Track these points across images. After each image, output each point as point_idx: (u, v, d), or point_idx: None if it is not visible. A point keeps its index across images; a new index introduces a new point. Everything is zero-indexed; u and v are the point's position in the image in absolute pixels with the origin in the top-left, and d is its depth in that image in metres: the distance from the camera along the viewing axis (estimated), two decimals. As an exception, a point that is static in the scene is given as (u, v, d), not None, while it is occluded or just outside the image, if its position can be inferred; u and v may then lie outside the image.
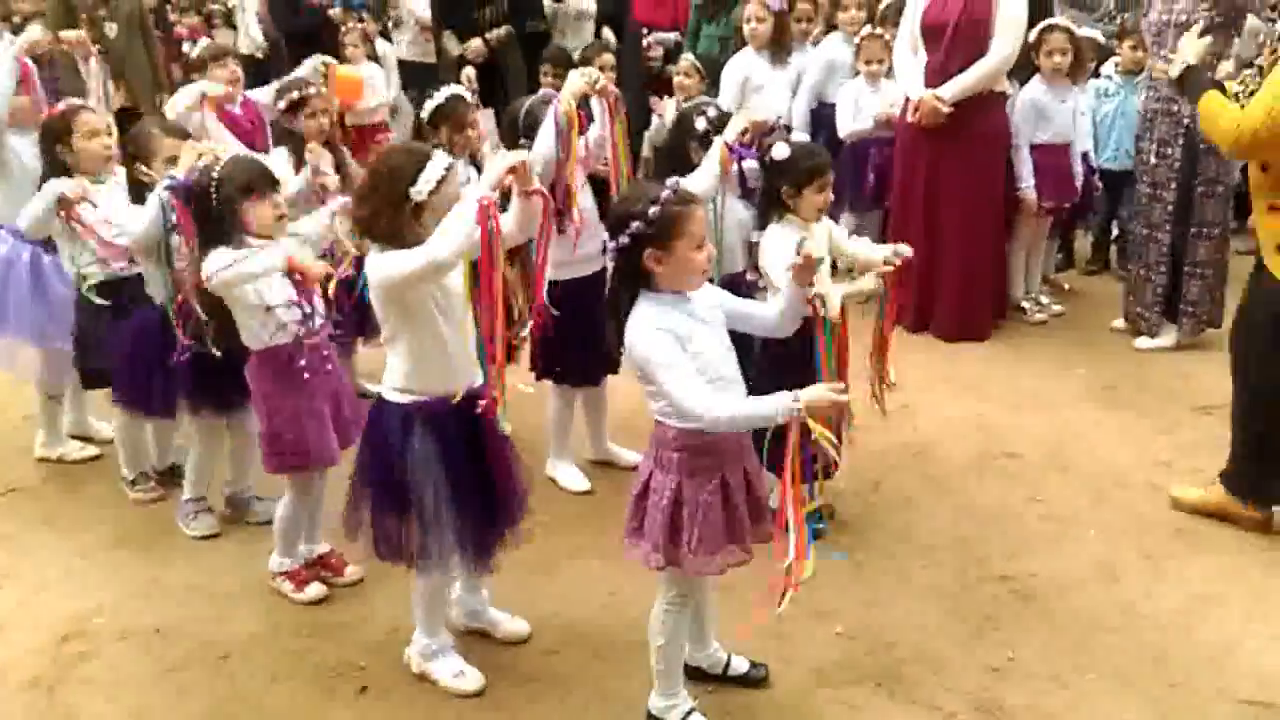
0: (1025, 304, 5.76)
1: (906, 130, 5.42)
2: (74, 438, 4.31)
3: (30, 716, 2.86)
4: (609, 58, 5.84)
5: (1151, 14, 5.19)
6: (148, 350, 3.58)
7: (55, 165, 3.70)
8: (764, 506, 2.74)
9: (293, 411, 3.11)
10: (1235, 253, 5.48)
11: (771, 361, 3.37)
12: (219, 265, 2.97)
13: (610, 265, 2.65)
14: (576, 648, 3.12)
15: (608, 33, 6.87)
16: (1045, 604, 3.32)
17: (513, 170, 2.60)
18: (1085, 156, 5.80)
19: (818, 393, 2.36)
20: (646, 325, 2.50)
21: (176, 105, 4.47)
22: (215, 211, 3.04)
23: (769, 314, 2.77)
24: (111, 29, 6.23)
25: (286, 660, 3.07)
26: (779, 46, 5.65)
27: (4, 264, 3.98)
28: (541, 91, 4.13)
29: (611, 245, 2.56)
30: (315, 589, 3.32)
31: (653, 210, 2.47)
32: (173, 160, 3.39)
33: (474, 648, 3.08)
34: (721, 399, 2.46)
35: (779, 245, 3.45)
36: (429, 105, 3.91)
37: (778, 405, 2.37)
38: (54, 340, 3.94)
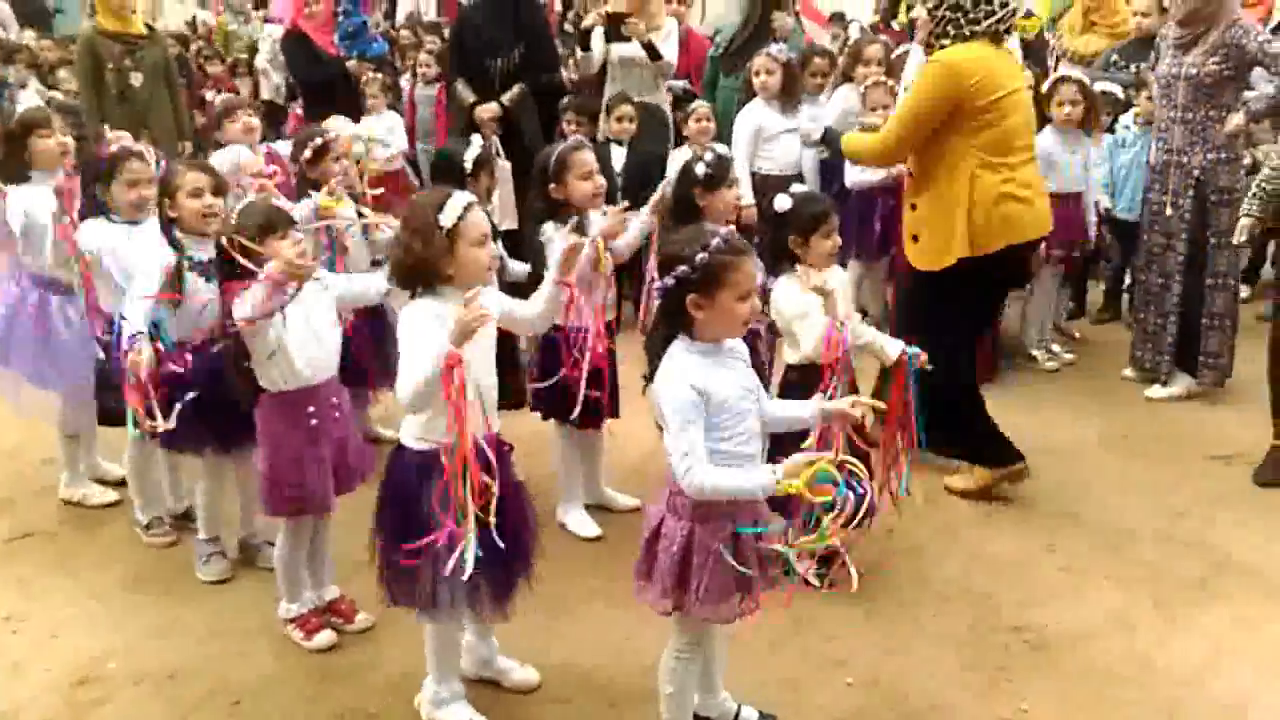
0: (1036, 352, 5.77)
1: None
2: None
3: (43, 761, 2.87)
4: (629, 109, 5.93)
5: (1160, 66, 5.24)
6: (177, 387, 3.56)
7: (91, 203, 3.76)
8: (775, 556, 2.74)
9: (296, 455, 3.13)
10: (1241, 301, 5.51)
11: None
12: (249, 303, 3.01)
13: (656, 304, 2.67)
14: (587, 697, 3.11)
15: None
16: (1058, 655, 3.31)
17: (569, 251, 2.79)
18: (1097, 205, 5.84)
19: (794, 462, 2.40)
20: (680, 376, 2.53)
21: (225, 167, 4.57)
22: (236, 259, 3.08)
23: (765, 410, 2.75)
24: (137, 79, 6.30)
25: (299, 705, 3.07)
26: (789, 97, 5.72)
27: (13, 302, 4.03)
28: (574, 138, 4.18)
29: (658, 286, 2.60)
30: (325, 637, 3.32)
31: (700, 257, 2.50)
32: (195, 194, 3.44)
33: (485, 696, 3.08)
34: (711, 470, 2.48)
35: (791, 294, 3.48)
36: (469, 154, 4.01)
37: (759, 482, 2.42)
38: (51, 384, 3.99)
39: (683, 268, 2.50)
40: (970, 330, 4.34)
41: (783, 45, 5.80)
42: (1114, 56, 6.47)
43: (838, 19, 10.47)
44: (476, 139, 4.05)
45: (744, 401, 2.60)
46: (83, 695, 3.12)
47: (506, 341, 4.00)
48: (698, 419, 2.49)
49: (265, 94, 9.13)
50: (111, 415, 3.90)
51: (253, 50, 9.86)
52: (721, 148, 3.86)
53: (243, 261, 3.02)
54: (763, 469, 2.46)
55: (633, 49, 6.25)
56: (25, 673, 3.22)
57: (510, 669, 3.16)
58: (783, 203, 3.52)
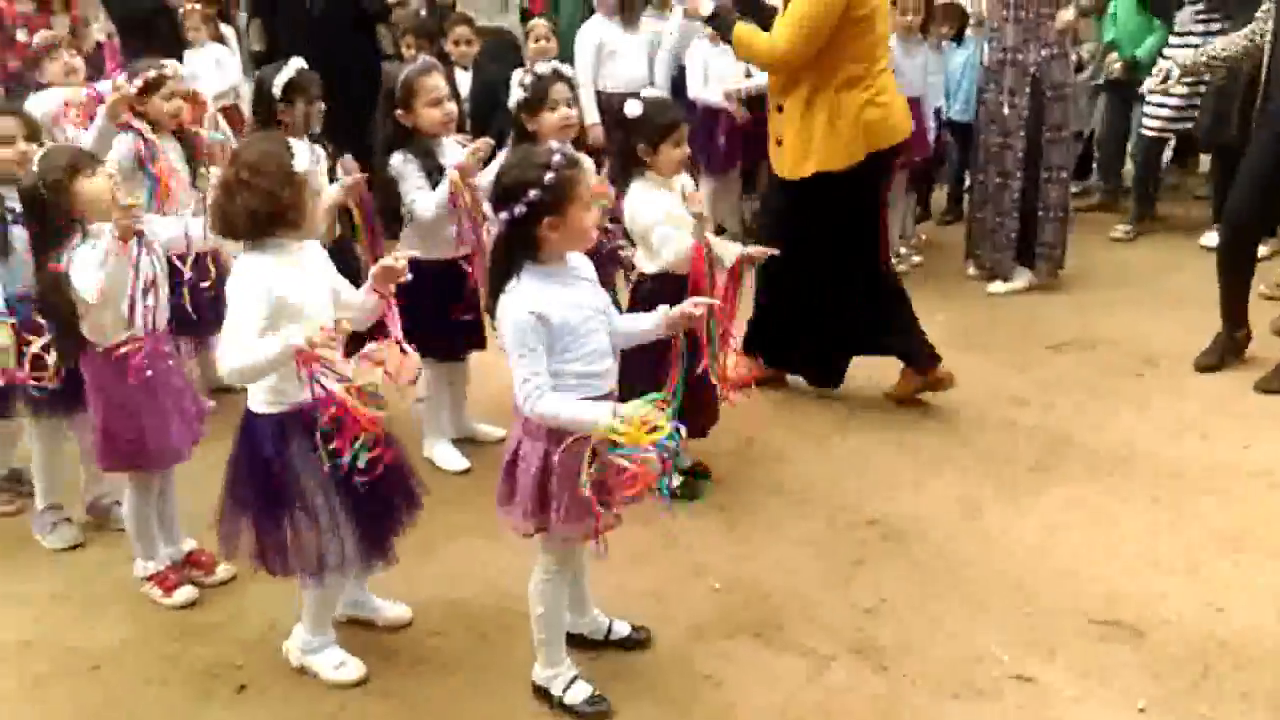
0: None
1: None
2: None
3: (-110, 746, 2.76)
4: (465, 30, 5.79)
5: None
6: None
7: None
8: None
9: (132, 409, 3.02)
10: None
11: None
12: (89, 271, 2.86)
13: (496, 235, 2.65)
14: (460, 628, 3.13)
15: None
16: (910, 544, 3.46)
17: (387, 270, 2.71)
18: (938, 112, 5.97)
19: (634, 408, 2.40)
20: (520, 305, 2.51)
21: (35, 114, 4.29)
22: (49, 205, 2.93)
23: (615, 324, 2.76)
24: None
25: (160, 665, 3.00)
26: (629, 11, 5.67)
27: None
28: (423, 59, 4.03)
29: (504, 216, 2.56)
30: (185, 592, 3.25)
31: (549, 177, 2.47)
32: (6, 141, 3.25)
33: (358, 636, 3.06)
34: (550, 398, 2.49)
35: (646, 203, 3.48)
36: (280, 79, 3.82)
37: (597, 416, 2.42)
38: None
39: (534, 191, 2.47)
40: (857, 234, 4.23)
41: (618, -47, 5.72)
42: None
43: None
44: (294, 61, 3.86)
45: (590, 321, 2.60)
46: (-71, 673, 3.00)
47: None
48: (538, 345, 2.49)
49: (98, 35, 8.56)
50: None
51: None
52: (547, 66, 3.77)
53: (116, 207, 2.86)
54: (603, 406, 2.46)
55: None
56: None
57: (382, 607, 3.14)
58: (633, 109, 3.49)
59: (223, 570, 3.33)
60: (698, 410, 3.61)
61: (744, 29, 4.11)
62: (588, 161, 3.42)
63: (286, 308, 2.59)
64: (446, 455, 4.02)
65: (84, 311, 2.93)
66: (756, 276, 4.31)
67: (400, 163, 3.68)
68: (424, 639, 3.09)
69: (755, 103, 5.69)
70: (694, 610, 3.17)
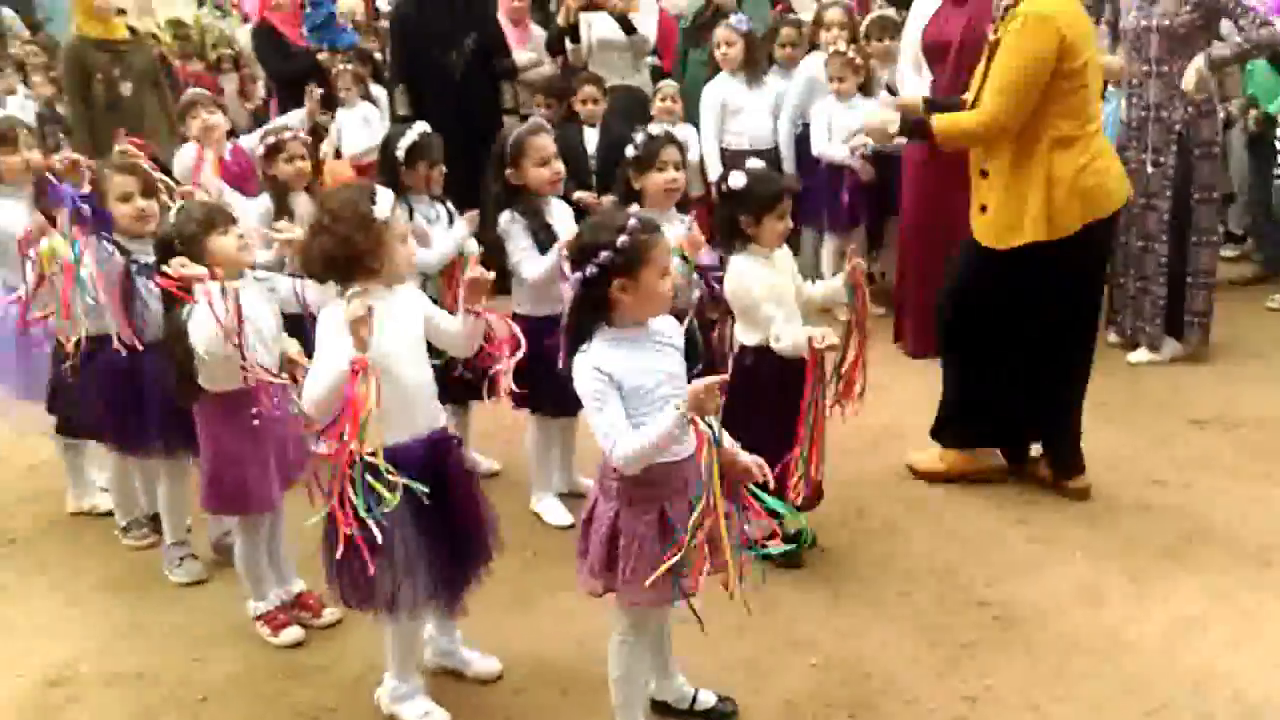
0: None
1: (912, 151, 5.37)
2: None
3: (11, 765, 2.92)
4: (592, 90, 5.87)
5: (1127, 19, 5.14)
6: (130, 390, 3.57)
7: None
8: (717, 540, 2.73)
9: (237, 455, 3.15)
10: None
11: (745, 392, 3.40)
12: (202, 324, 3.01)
13: (572, 296, 2.65)
14: (545, 685, 3.12)
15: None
16: (1025, 630, 3.29)
17: (473, 284, 2.75)
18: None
19: (693, 389, 2.38)
20: (587, 362, 2.53)
21: (176, 167, 4.60)
22: (177, 253, 3.09)
23: None
24: (126, 88, 6.08)
25: (260, 703, 3.10)
26: (753, 68, 5.67)
27: None
28: (533, 120, 4.13)
29: (576, 276, 2.59)
30: (291, 633, 3.35)
31: (621, 240, 2.49)
32: (124, 198, 3.44)
33: (446, 687, 3.10)
34: (628, 436, 2.46)
35: (747, 277, 3.46)
36: (404, 142, 3.95)
37: (668, 422, 2.39)
38: (38, 395, 3.96)
39: (605, 253, 2.49)
40: (1070, 312, 3.91)
41: (742, 16, 5.75)
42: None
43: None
44: (418, 125, 4.00)
45: (664, 387, 2.57)
46: (54, 696, 3.16)
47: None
48: (611, 398, 2.49)
49: (263, 90, 9.10)
50: (69, 426, 3.95)
51: (234, 45, 9.85)
52: (661, 127, 3.80)
53: (178, 274, 3.02)
54: (665, 411, 2.43)
55: (611, 30, 6.21)
56: (1, 675, 3.27)
57: (472, 660, 3.17)
58: (736, 180, 3.46)
59: (329, 614, 3.43)
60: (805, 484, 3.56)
61: (942, 120, 3.80)
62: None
63: (372, 354, 2.65)
64: (552, 510, 4.05)
65: (199, 361, 3.08)
66: (944, 356, 4.19)
67: (507, 222, 3.76)
68: (509, 694, 3.10)
69: (881, 161, 5.62)
70: (787, 685, 3.09)
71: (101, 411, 3.67)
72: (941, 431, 4.22)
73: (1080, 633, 3.26)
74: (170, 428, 3.49)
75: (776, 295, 3.41)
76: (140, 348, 3.43)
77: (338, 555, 2.77)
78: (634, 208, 3.18)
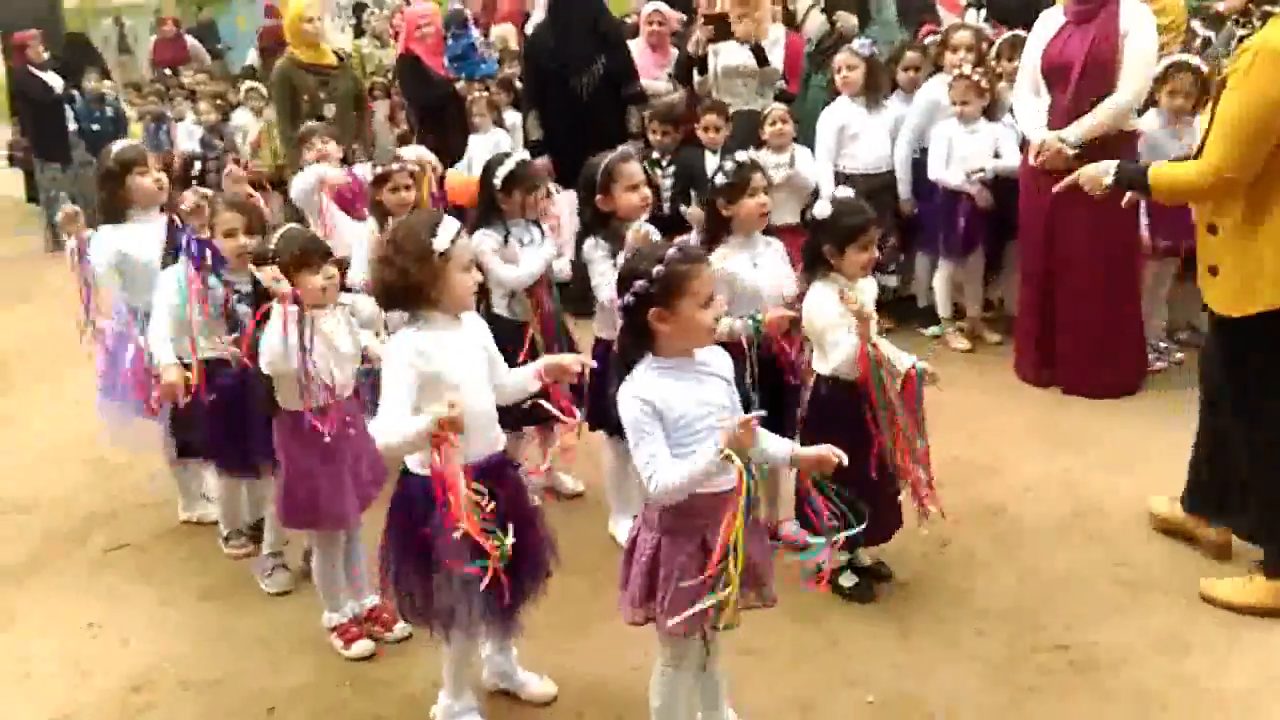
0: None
1: (1029, 173, 5.19)
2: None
3: (89, 761, 3.11)
4: (714, 118, 5.88)
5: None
6: (235, 415, 3.71)
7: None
8: (765, 573, 2.70)
9: (309, 470, 3.27)
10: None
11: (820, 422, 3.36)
12: (269, 343, 3.17)
13: (619, 324, 2.69)
14: (600, 710, 3.14)
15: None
16: (1098, 676, 3.13)
17: (560, 369, 2.90)
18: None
19: (729, 429, 2.38)
20: (630, 392, 2.54)
21: (295, 188, 4.83)
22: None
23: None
24: (330, 109, 6.44)
25: (324, 714, 3.22)
26: (873, 92, 5.59)
27: (119, 340, 4.28)
28: (620, 149, 4.17)
29: (618, 304, 2.61)
30: (362, 646, 3.47)
31: (657, 269, 2.50)
32: (229, 234, 3.62)
33: (501, 707, 3.16)
34: (668, 467, 2.46)
35: (824, 304, 3.41)
36: (501, 171, 4.05)
37: (706, 460, 2.40)
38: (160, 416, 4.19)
39: (640, 282, 2.50)
40: None
41: (865, 41, 5.65)
42: (1237, 31, 6.01)
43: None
44: (518, 153, 4.10)
45: (710, 418, 2.56)
46: (135, 699, 3.35)
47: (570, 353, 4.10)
48: (653, 429, 2.49)
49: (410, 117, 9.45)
50: (186, 447, 4.16)
51: (387, 74, 10.24)
52: (746, 155, 3.78)
53: (271, 287, 3.16)
54: (704, 447, 2.44)
55: (737, 56, 6.23)
56: (91, 677, 3.49)
57: (528, 681, 3.21)
58: (822, 209, 3.43)
59: (400, 629, 3.52)
60: (879, 512, 3.48)
61: (1160, 172, 3.47)
62: None
63: (438, 383, 2.72)
64: (628, 533, 4.05)
65: (274, 379, 3.22)
66: (1201, 420, 3.74)
67: (590, 248, 3.80)
68: (564, 717, 3.13)
69: (1000, 186, 5.44)
70: (839, 723, 3.02)
71: (211, 434, 3.87)
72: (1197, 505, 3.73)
73: (1158, 682, 3.09)
74: (271, 449, 3.58)
75: (850, 325, 3.35)
76: (249, 365, 3.60)
77: (392, 569, 2.88)
78: (683, 237, 3.17)
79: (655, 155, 6.08)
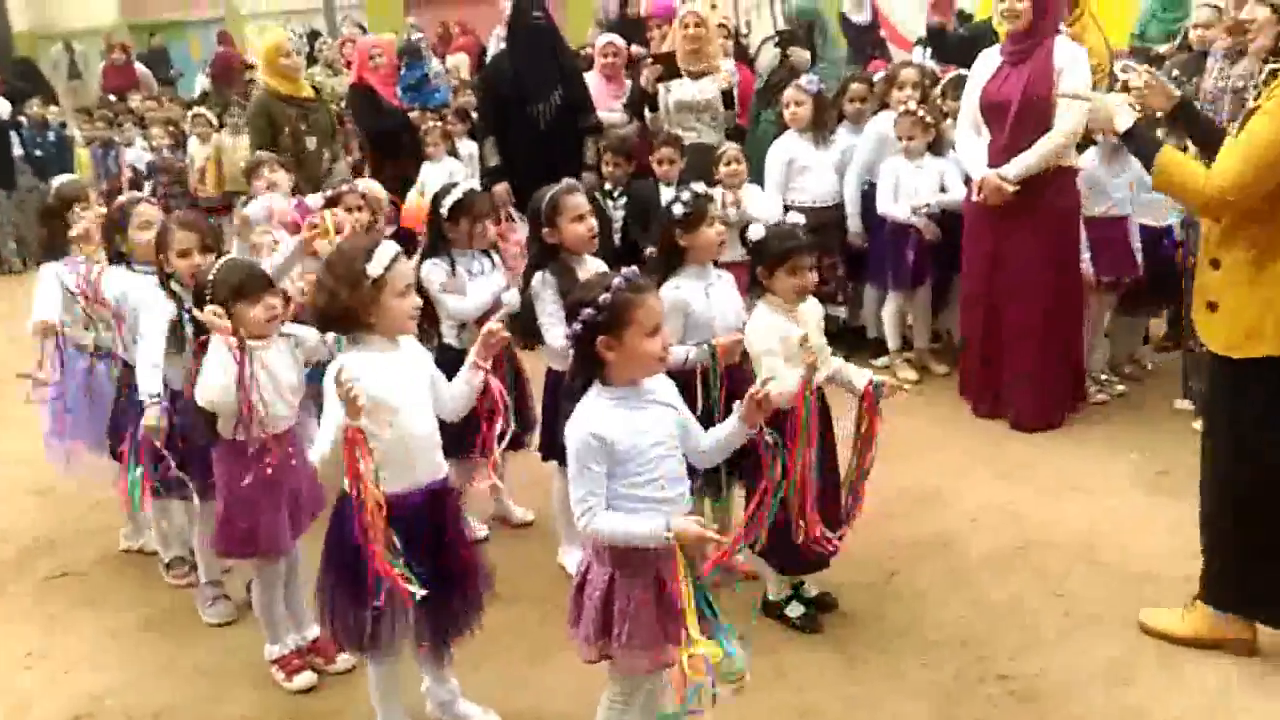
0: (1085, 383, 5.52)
1: (972, 209, 5.29)
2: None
3: (22, 796, 3.03)
4: (668, 150, 5.92)
5: (1207, 81, 5.00)
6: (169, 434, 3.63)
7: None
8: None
9: (248, 499, 3.23)
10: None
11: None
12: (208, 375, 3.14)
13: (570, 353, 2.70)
14: (547, 741, 3.12)
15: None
16: (1044, 706, 3.17)
17: (488, 337, 2.84)
18: (1170, 231, 5.54)
19: (687, 525, 2.43)
20: (580, 423, 2.54)
21: (249, 217, 4.81)
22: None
23: (702, 443, 2.75)
24: (311, 142, 6.39)
25: (265, 747, 3.17)
26: (820, 128, 5.69)
27: (84, 379, 4.20)
28: (565, 181, 4.18)
29: (566, 333, 2.62)
30: (304, 678, 3.42)
31: (603, 298, 2.51)
32: (183, 254, 3.59)
33: (446, 740, 3.13)
34: (603, 516, 2.50)
35: (761, 328, 3.44)
36: (448, 200, 4.06)
37: (652, 531, 2.44)
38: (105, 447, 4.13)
39: (587, 310, 2.51)
40: None
41: (813, 77, 5.75)
42: (1174, 71, 6.19)
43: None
44: (465, 184, 4.10)
45: (659, 448, 2.57)
46: (74, 731, 3.28)
47: (519, 382, 4.10)
48: (597, 465, 2.50)
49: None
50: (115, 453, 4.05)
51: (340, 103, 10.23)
52: (700, 186, 3.81)
53: (211, 323, 3.14)
54: (656, 520, 2.46)
55: (689, 91, 6.30)
56: (29, 709, 3.43)
57: (471, 713, 3.18)
58: (755, 232, 3.51)
59: (342, 660, 3.48)
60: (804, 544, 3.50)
61: (1171, 156, 3.23)
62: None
63: (376, 406, 2.70)
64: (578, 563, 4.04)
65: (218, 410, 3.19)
66: (1203, 493, 3.48)
67: (539, 284, 3.78)
68: (508, 750, 3.11)
69: (948, 219, 5.53)
70: (787, 754, 3.02)
71: (149, 452, 3.78)
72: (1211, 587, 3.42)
73: (1102, 711, 3.13)
74: (203, 471, 3.55)
75: (788, 349, 3.36)
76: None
77: (327, 592, 2.86)
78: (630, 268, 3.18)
79: (607, 187, 6.12)
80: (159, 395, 3.51)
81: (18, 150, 10.24)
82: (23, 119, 10.56)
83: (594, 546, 2.64)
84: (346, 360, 2.74)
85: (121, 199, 4.07)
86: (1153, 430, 5.02)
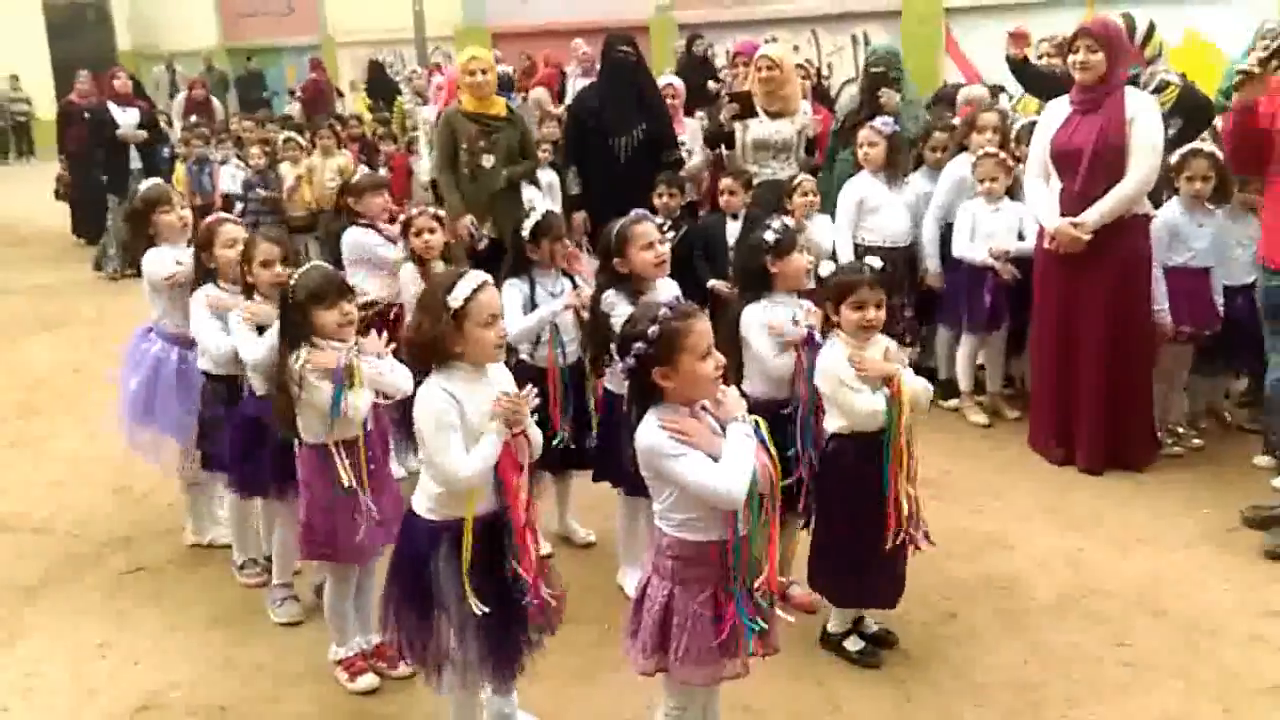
0: (1159, 435, 5.43)
1: (1043, 255, 5.27)
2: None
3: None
4: (730, 182, 5.96)
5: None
6: (254, 436, 3.80)
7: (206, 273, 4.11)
8: (770, 622, 2.72)
9: (329, 504, 3.32)
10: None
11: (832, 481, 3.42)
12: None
13: (625, 386, 2.76)
14: (598, 756, 3.16)
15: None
16: (1098, 756, 3.12)
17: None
18: (1248, 290, 5.43)
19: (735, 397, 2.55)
20: (652, 424, 2.60)
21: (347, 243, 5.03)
22: (292, 318, 3.35)
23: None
24: (489, 160, 6.30)
25: (323, 746, 3.24)
26: (893, 169, 5.70)
27: (155, 362, 4.41)
28: (634, 212, 4.25)
29: (621, 368, 2.68)
30: (366, 680, 3.50)
31: (652, 330, 2.57)
32: (266, 264, 3.73)
33: (500, 750, 3.17)
34: (724, 469, 2.52)
35: (831, 365, 3.47)
36: (528, 224, 4.20)
37: (742, 432, 2.52)
38: (186, 437, 4.33)
39: (638, 344, 2.57)
40: None
41: (889, 119, 5.76)
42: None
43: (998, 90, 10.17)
44: (543, 206, 4.22)
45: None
46: (140, 720, 3.39)
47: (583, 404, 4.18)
48: (689, 448, 2.54)
49: (422, 175, 9.63)
50: (213, 460, 4.21)
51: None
52: (789, 219, 3.87)
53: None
54: (737, 425, 2.58)
55: (766, 130, 6.38)
56: (98, 697, 3.54)
57: (528, 723, 3.23)
58: (825, 269, 3.56)
59: (405, 666, 3.54)
60: (885, 581, 3.51)
61: None
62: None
63: (464, 432, 2.79)
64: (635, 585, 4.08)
65: (299, 411, 3.30)
66: None
67: (611, 294, 3.87)
68: (561, 765, 3.15)
69: (1025, 263, 5.51)
70: (833, 786, 3.02)
71: (230, 451, 3.96)
72: None
73: (1159, 764, 3.08)
74: (285, 473, 3.65)
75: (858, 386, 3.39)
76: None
77: (393, 607, 2.93)
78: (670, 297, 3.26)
79: (659, 220, 6.17)
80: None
81: (136, 164, 10.71)
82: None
83: (654, 560, 2.69)
84: (433, 383, 2.83)
85: (209, 219, 4.21)
86: (1227, 486, 4.92)
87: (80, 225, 12.30)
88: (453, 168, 6.25)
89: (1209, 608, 3.89)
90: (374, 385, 3.33)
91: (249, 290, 3.81)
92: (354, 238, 5.12)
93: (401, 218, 4.61)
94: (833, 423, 3.51)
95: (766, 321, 3.64)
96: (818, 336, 3.57)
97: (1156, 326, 5.26)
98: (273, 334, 3.53)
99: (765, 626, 2.64)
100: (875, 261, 3.65)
